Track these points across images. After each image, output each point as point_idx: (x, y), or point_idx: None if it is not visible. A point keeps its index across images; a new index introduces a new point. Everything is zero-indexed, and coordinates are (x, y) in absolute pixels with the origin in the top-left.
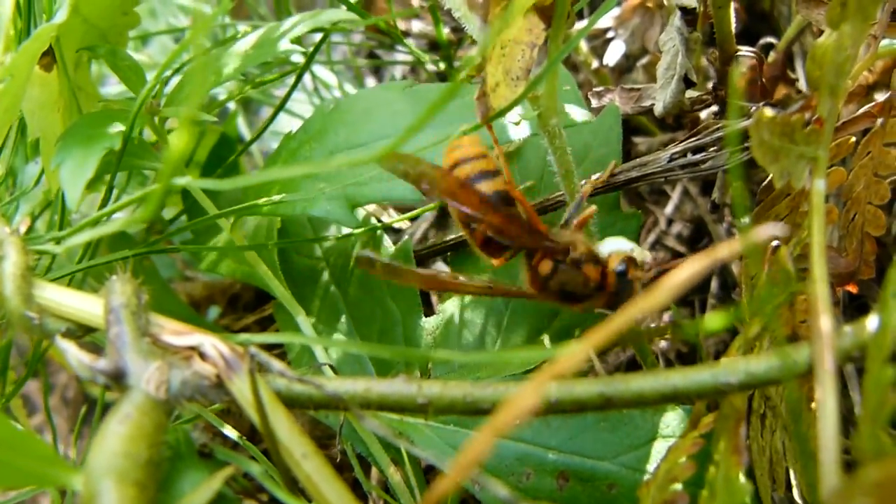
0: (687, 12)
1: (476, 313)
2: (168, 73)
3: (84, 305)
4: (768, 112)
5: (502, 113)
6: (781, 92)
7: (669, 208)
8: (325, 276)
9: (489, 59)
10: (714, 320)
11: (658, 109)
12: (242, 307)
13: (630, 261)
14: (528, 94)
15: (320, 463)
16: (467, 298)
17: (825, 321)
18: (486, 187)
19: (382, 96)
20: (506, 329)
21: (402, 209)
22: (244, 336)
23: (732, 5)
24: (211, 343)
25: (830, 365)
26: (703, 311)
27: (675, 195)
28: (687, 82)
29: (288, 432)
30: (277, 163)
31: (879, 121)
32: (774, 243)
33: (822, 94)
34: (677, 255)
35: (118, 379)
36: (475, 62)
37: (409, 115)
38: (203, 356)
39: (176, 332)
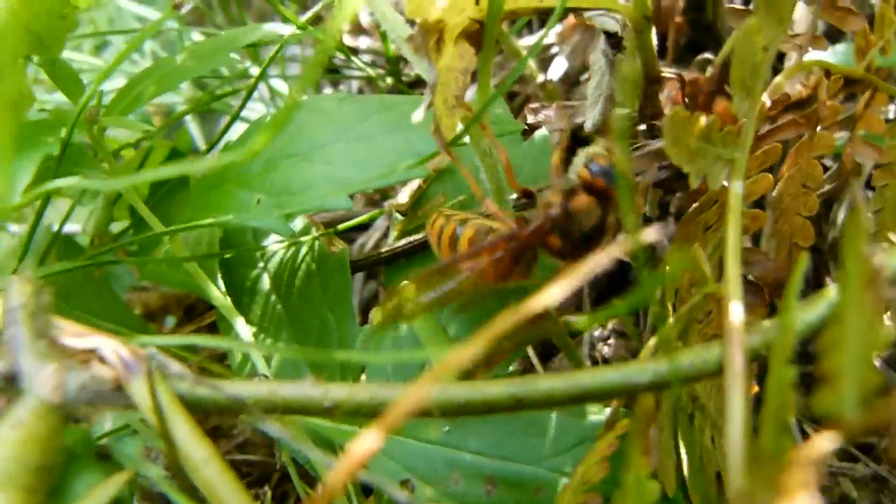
0: (611, 35)
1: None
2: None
3: None
4: (683, 112)
5: (454, 142)
6: (721, 106)
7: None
8: (267, 284)
9: (434, 89)
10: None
11: (587, 127)
12: (198, 316)
13: (595, 155)
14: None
15: (220, 468)
16: None
17: (735, 320)
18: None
19: (317, 107)
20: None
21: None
22: (146, 338)
23: (676, 19)
24: (110, 346)
25: (740, 365)
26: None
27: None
28: (613, 102)
29: (187, 436)
30: (215, 176)
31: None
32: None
33: (738, 94)
34: (622, 264)
35: (12, 381)
36: (428, 102)
37: (342, 125)
38: (102, 359)
39: (75, 335)
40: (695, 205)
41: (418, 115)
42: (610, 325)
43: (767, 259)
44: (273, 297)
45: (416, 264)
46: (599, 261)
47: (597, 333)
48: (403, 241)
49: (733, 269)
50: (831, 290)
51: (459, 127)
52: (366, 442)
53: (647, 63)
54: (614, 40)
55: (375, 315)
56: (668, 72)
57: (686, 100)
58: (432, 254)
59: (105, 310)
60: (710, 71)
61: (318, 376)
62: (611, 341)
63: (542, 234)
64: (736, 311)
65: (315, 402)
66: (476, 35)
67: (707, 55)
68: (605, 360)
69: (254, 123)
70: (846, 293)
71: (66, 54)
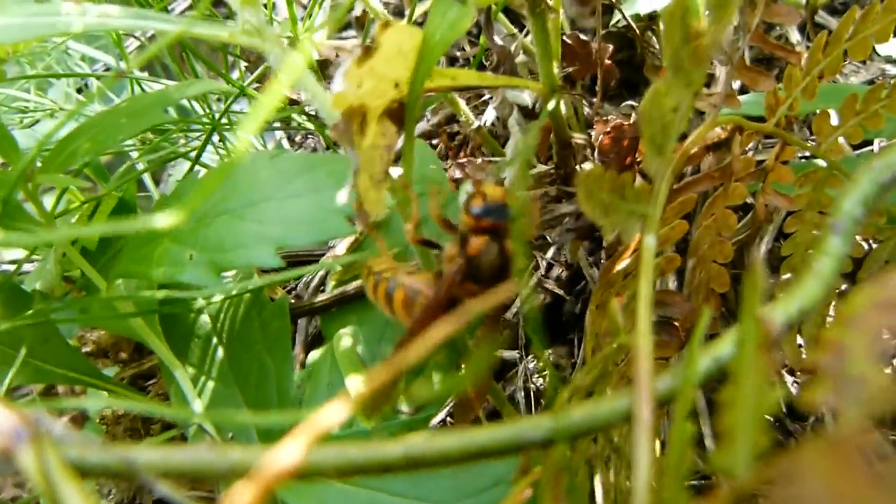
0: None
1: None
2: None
3: None
4: (597, 168)
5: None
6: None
7: (549, 253)
8: (207, 328)
9: (358, 172)
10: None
11: (507, 183)
12: (148, 353)
13: (471, 197)
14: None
15: None
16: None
17: (643, 374)
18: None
19: (250, 165)
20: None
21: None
22: (89, 401)
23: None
24: None
25: (647, 416)
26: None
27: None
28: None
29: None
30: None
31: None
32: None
33: (649, 153)
34: (557, 298)
35: None
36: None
37: (273, 182)
38: None
39: None
40: (615, 253)
41: (342, 198)
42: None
43: (684, 302)
44: (213, 341)
45: (351, 312)
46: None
47: (531, 366)
48: (339, 291)
49: (644, 322)
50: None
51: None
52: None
53: (558, 130)
54: (527, 110)
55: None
56: (578, 137)
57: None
58: (366, 302)
59: (53, 355)
60: (633, 118)
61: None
62: (545, 373)
63: (456, 285)
64: (644, 365)
65: (210, 467)
66: (397, 112)
67: (631, 102)
68: (538, 391)
69: (184, 181)
70: (741, 355)
71: (13, 93)
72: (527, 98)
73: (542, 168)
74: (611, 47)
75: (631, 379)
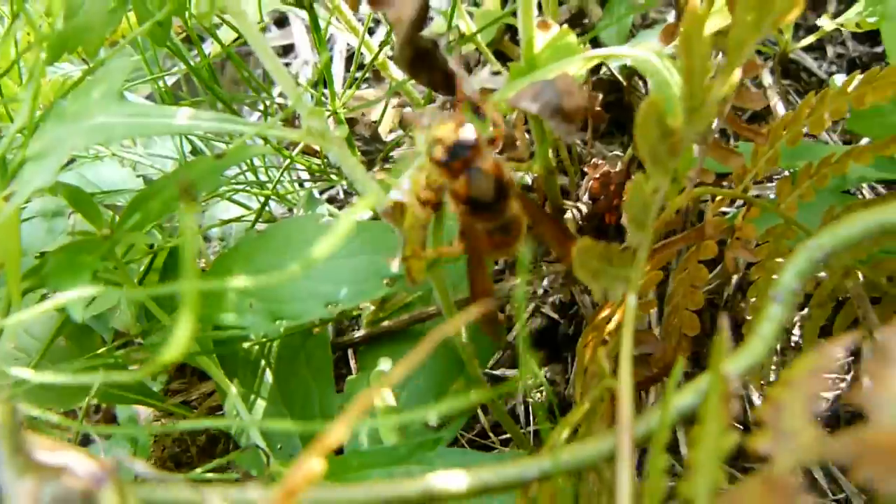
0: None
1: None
2: None
3: None
4: (591, 244)
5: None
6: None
7: (545, 281)
8: (257, 356)
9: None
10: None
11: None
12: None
13: (430, 143)
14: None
15: None
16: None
17: (625, 418)
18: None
19: (298, 226)
20: (403, 402)
21: None
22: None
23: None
24: (78, 460)
25: (627, 455)
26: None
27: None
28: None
29: None
30: (211, 278)
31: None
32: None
33: (631, 228)
34: (552, 321)
35: None
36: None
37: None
38: (72, 472)
39: (48, 450)
40: (601, 305)
41: (395, 267)
42: (542, 374)
43: (658, 341)
44: (262, 366)
45: (383, 346)
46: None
47: (530, 382)
48: (372, 328)
49: (626, 369)
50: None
51: None
52: None
53: (553, 199)
54: (527, 186)
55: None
56: (570, 204)
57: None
58: (396, 340)
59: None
60: (619, 165)
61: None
62: (542, 388)
63: (477, 230)
64: (626, 411)
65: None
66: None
67: (617, 152)
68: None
69: (246, 238)
70: (706, 403)
71: None
72: (527, 178)
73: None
74: (600, 96)
75: (614, 417)
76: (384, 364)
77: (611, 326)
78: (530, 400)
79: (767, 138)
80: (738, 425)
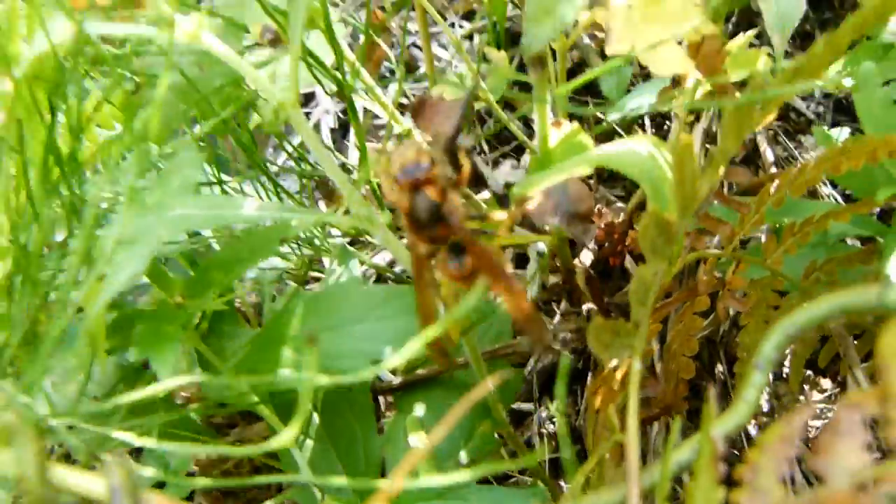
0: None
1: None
2: None
3: (89, 484)
4: (603, 322)
5: None
6: (632, 237)
7: (556, 318)
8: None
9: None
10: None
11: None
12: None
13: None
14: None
15: None
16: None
17: (632, 470)
18: None
19: (344, 291)
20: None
21: None
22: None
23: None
24: None
25: (635, 502)
26: (582, 400)
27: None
28: (543, 286)
29: None
30: (267, 337)
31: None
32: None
33: (634, 306)
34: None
35: None
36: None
37: (364, 308)
38: None
39: None
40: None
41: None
42: (554, 406)
43: (658, 384)
44: (311, 411)
45: (418, 392)
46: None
47: (544, 414)
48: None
49: (633, 425)
50: (690, 447)
51: None
52: None
53: (565, 261)
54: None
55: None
56: (578, 262)
57: (615, 235)
58: (429, 387)
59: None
60: (622, 217)
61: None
62: (554, 420)
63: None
64: (633, 465)
65: None
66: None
67: (620, 204)
68: (552, 436)
69: (294, 300)
70: (698, 461)
71: None
72: (542, 245)
73: (552, 281)
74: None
75: (623, 468)
76: (419, 409)
77: (618, 376)
78: (544, 431)
79: (757, 205)
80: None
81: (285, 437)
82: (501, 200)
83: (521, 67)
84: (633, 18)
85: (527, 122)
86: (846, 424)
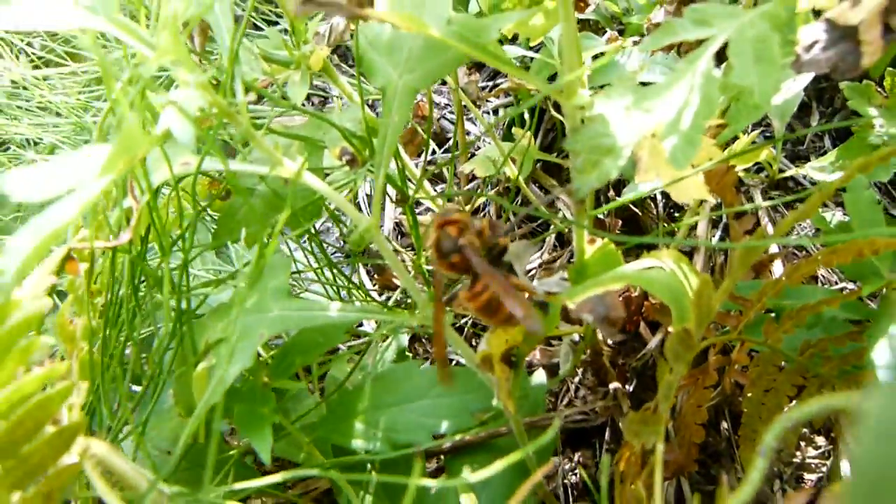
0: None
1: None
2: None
3: None
4: (634, 415)
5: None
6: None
7: (577, 378)
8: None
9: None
10: None
11: (562, 372)
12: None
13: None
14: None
15: None
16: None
17: None
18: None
19: (406, 372)
20: (483, 502)
21: None
22: None
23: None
24: None
25: None
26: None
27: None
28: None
29: None
30: (339, 410)
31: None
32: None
33: (661, 400)
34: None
35: None
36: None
37: (423, 386)
38: None
39: None
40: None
41: (496, 402)
42: (576, 458)
43: (673, 449)
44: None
45: (466, 455)
46: None
47: (567, 466)
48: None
49: (658, 498)
50: None
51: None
52: None
53: (594, 344)
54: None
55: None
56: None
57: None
58: (476, 451)
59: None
60: (638, 290)
61: None
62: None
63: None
64: None
65: None
66: (507, 357)
67: None
68: (574, 486)
69: (367, 378)
70: None
71: None
72: (575, 336)
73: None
74: (619, 222)
75: None
76: (467, 472)
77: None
78: (567, 482)
79: (758, 296)
80: None
81: (348, 494)
82: (542, 306)
83: (545, 147)
84: (659, 150)
85: (547, 191)
86: None
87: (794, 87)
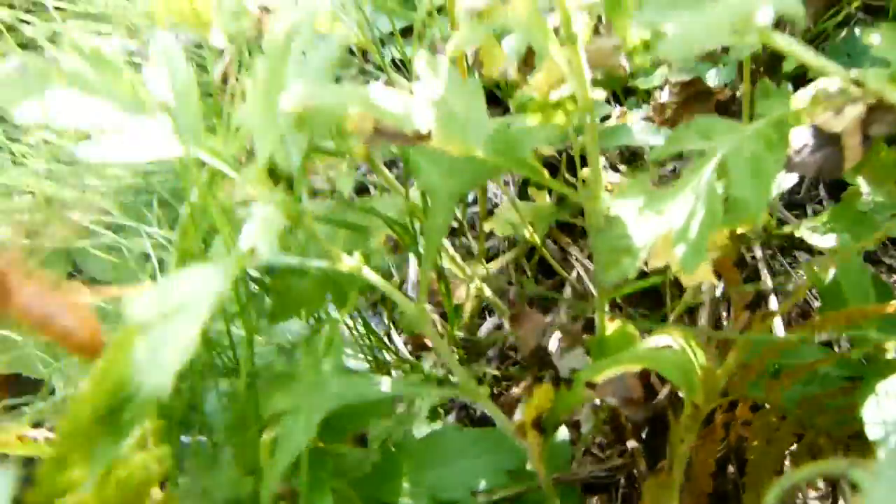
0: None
1: None
2: None
3: None
4: (652, 480)
5: None
6: None
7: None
8: None
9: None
10: None
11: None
12: None
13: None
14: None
15: None
16: None
17: None
18: None
19: (447, 434)
20: None
21: None
22: None
23: None
24: None
25: None
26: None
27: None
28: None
29: None
30: (386, 469)
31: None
32: None
33: (675, 467)
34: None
35: None
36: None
37: (459, 448)
38: None
39: None
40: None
41: (529, 466)
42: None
43: (686, 500)
44: None
45: None
46: None
47: None
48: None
49: None
50: None
51: None
52: None
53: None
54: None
55: None
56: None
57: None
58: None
59: None
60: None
61: None
62: None
63: None
64: None
65: None
66: (537, 423)
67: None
68: None
69: (408, 439)
70: None
71: None
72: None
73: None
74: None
75: None
76: None
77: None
78: None
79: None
80: None
81: None
82: (565, 381)
83: (558, 200)
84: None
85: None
86: None
87: (787, 181)
